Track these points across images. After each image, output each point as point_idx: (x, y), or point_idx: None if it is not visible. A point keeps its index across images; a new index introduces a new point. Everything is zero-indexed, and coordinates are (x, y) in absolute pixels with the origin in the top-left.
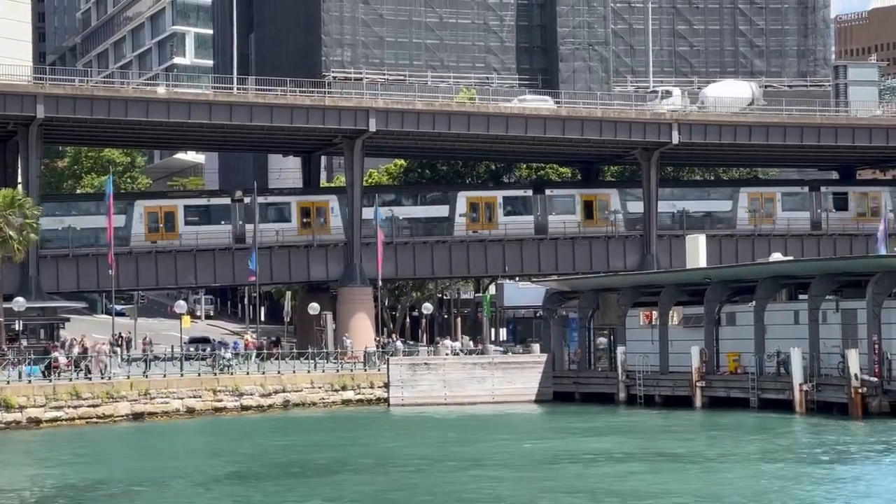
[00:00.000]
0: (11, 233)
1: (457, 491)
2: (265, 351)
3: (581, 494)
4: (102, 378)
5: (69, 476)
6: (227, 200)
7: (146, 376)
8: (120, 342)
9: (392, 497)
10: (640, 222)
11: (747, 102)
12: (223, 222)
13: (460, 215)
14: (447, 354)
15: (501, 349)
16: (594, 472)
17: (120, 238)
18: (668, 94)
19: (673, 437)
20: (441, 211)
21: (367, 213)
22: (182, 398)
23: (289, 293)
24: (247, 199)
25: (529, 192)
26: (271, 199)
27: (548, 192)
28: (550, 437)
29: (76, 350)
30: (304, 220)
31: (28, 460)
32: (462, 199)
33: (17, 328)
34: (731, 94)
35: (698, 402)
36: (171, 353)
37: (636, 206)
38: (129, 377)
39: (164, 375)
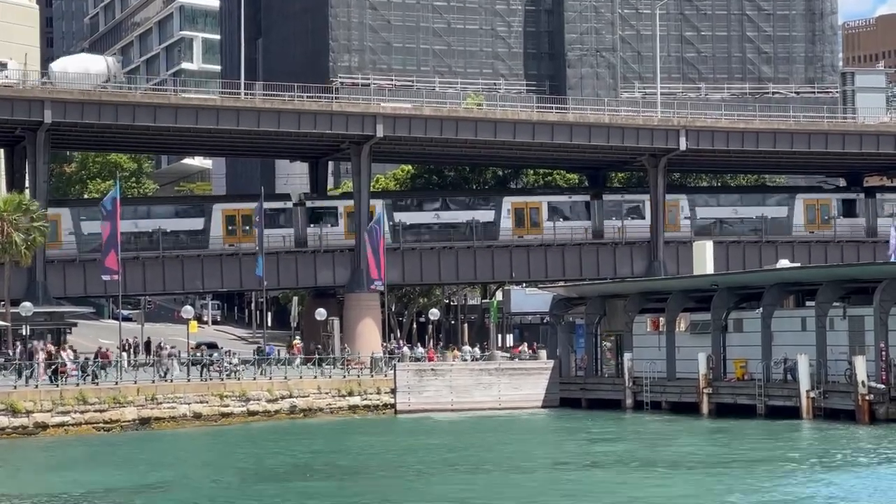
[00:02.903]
0: (17, 238)
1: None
2: (315, 356)
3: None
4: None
5: (74, 482)
6: (289, 204)
7: (168, 381)
8: (128, 347)
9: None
10: (710, 227)
11: (104, 78)
12: (285, 225)
13: (505, 218)
14: (465, 360)
15: (508, 355)
16: (598, 478)
17: (199, 241)
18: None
19: (679, 442)
20: (487, 216)
21: (416, 217)
22: (189, 403)
23: (296, 298)
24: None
25: (587, 197)
26: (319, 202)
27: (607, 197)
28: (557, 443)
29: (40, 356)
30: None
31: (33, 465)
32: (507, 204)
33: (24, 333)
34: (82, 69)
35: (705, 408)
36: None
37: (705, 212)
38: (135, 382)
39: (171, 381)
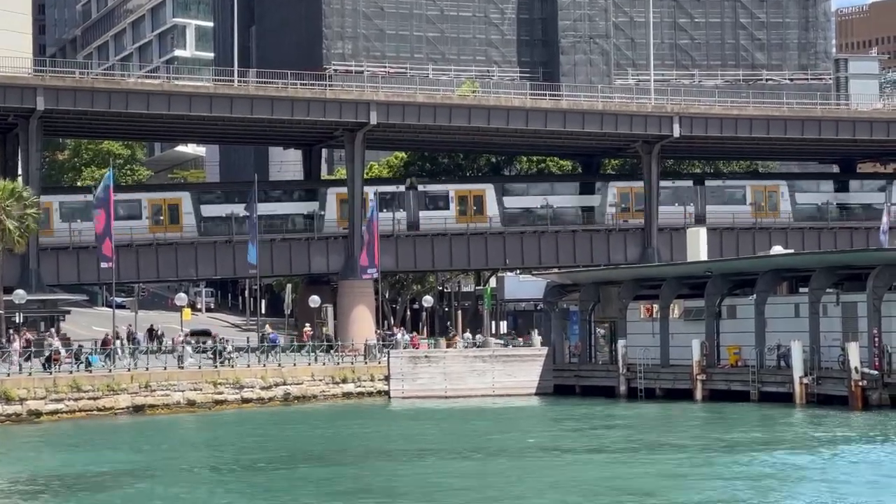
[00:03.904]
0: (10, 225)
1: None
2: (326, 344)
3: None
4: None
5: (67, 467)
6: (401, 188)
7: (180, 368)
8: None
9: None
10: (812, 213)
11: None
12: (400, 209)
13: (610, 205)
14: (465, 346)
15: (502, 342)
16: (591, 464)
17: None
18: None
19: (673, 429)
20: (591, 200)
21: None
22: (183, 391)
23: (289, 286)
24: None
25: (690, 183)
26: (430, 187)
27: (709, 182)
28: (550, 430)
29: (16, 345)
30: (461, 208)
31: (27, 452)
32: (613, 190)
33: (17, 320)
34: None
35: (699, 395)
36: (171, 345)
37: (805, 198)
38: (129, 370)
39: (165, 368)
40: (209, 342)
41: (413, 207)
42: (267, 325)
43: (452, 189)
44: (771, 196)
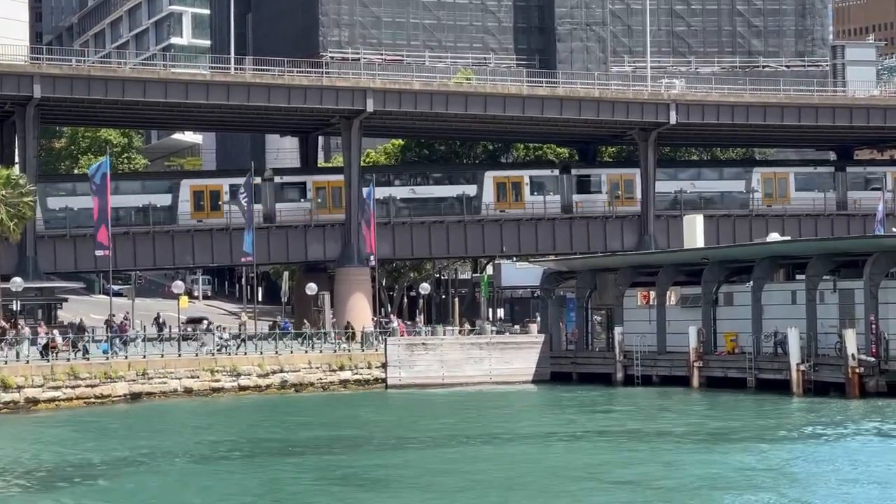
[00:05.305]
0: (5, 213)
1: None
2: (353, 330)
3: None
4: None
5: (64, 455)
6: (555, 172)
7: (162, 356)
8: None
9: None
10: None
11: None
12: (551, 193)
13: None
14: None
15: (494, 329)
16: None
17: (473, 208)
18: None
19: (670, 416)
20: (737, 185)
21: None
22: (180, 378)
23: (286, 273)
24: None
25: (831, 169)
26: (584, 171)
27: (851, 169)
28: (547, 417)
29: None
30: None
31: (24, 440)
32: (757, 175)
33: (14, 308)
34: None
35: (695, 382)
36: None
37: None
38: (126, 357)
39: (162, 356)
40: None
41: (566, 191)
42: (279, 316)
43: (604, 173)
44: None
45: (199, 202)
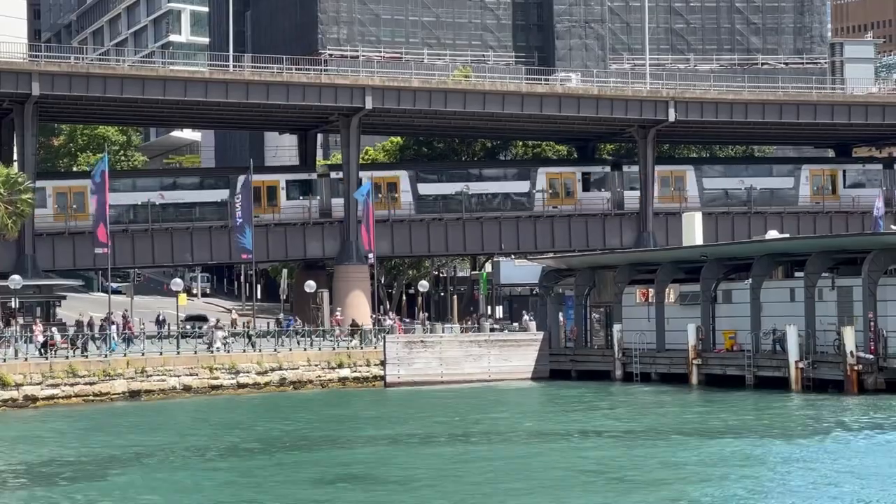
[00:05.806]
0: (3, 211)
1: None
2: (360, 328)
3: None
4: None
5: (61, 452)
6: (606, 169)
7: (213, 352)
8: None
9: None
10: None
11: None
12: (602, 189)
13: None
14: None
15: (491, 326)
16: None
17: (525, 205)
18: None
19: (668, 413)
20: (786, 182)
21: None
22: (178, 376)
23: (285, 271)
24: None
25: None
26: (634, 168)
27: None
28: (544, 415)
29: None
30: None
31: (21, 437)
32: (805, 172)
33: (13, 306)
34: None
35: (694, 379)
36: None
37: None
38: (125, 355)
39: (161, 353)
40: (204, 326)
41: (616, 187)
42: (281, 314)
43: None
44: None
45: None
